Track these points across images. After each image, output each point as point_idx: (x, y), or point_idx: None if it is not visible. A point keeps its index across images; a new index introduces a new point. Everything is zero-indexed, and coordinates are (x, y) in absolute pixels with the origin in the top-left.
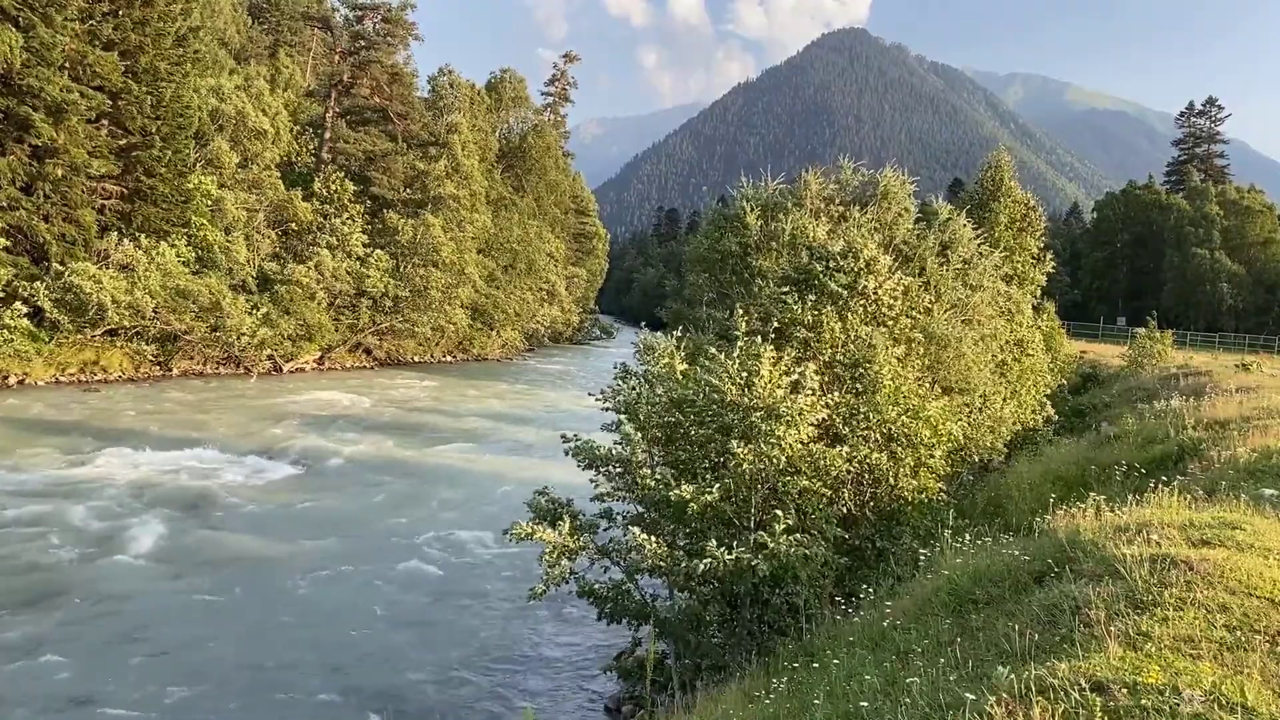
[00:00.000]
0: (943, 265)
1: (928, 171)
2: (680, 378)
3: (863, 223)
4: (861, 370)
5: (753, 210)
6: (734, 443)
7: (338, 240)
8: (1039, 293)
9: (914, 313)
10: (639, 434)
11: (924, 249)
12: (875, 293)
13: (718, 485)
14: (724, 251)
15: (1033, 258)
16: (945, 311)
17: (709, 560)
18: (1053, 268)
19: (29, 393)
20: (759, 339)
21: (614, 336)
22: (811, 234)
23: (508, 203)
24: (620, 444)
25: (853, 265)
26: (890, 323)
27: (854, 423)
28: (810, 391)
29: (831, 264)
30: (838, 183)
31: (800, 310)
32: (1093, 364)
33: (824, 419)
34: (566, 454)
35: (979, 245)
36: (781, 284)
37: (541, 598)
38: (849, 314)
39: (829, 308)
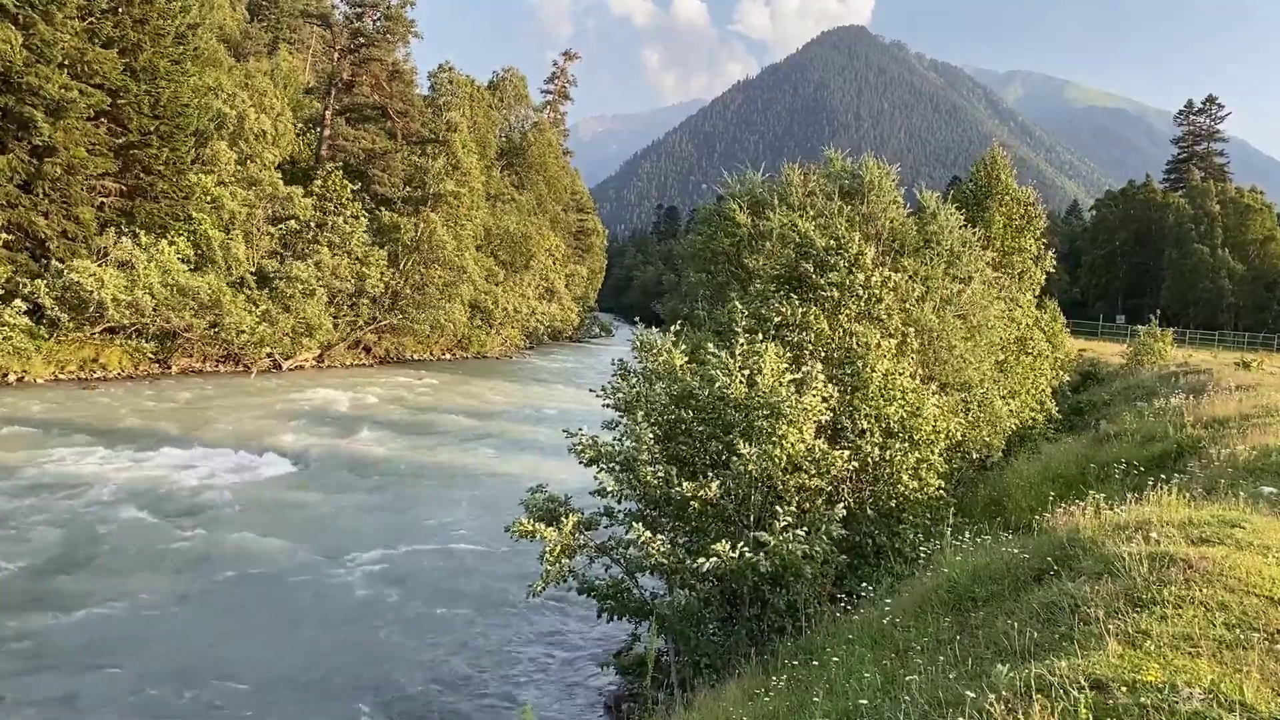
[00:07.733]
0: (930, 258)
1: (927, 170)
2: (681, 372)
3: (847, 214)
4: (852, 368)
5: (742, 209)
6: (736, 441)
7: (339, 239)
8: (1039, 291)
9: (905, 305)
10: (646, 427)
11: (910, 241)
12: (865, 288)
13: (718, 482)
14: (716, 249)
15: (1033, 258)
16: (935, 305)
17: (713, 560)
18: (1053, 266)
19: (28, 390)
20: (760, 336)
21: (613, 334)
22: (801, 230)
23: (507, 198)
24: (620, 439)
25: (841, 261)
26: (884, 316)
27: (854, 419)
28: (816, 392)
29: (822, 259)
30: (824, 176)
31: (789, 311)
32: (1092, 362)
33: (828, 420)
34: (570, 450)
35: (968, 235)
36: (771, 283)
37: (540, 594)
38: (841, 311)
39: (814, 307)
